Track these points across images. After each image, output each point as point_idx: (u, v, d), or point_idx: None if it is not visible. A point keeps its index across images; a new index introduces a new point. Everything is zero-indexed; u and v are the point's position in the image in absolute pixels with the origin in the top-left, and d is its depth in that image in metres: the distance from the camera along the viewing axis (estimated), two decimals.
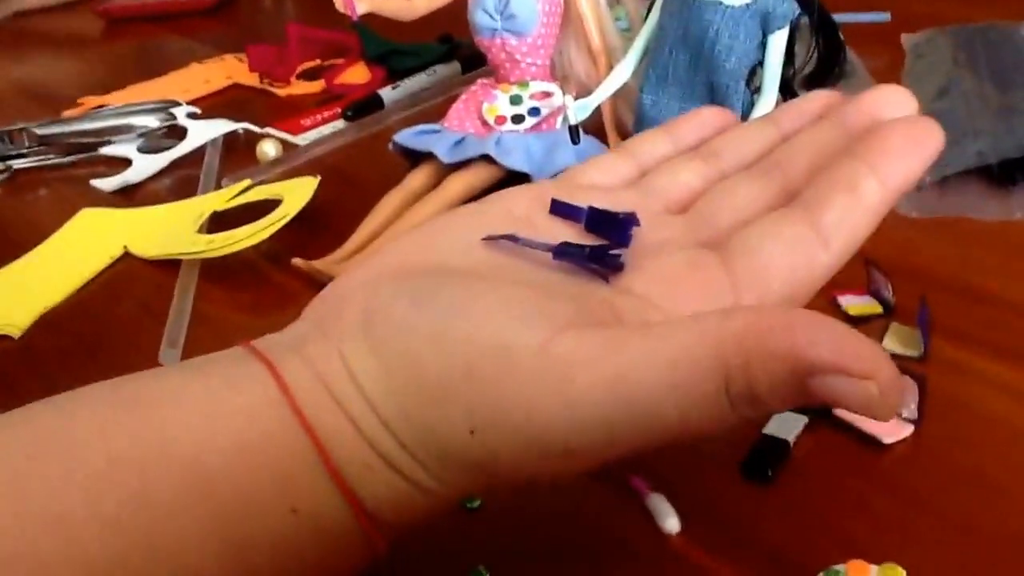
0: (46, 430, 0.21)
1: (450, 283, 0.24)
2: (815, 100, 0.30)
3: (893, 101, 0.27)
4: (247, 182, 0.52)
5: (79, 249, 0.49)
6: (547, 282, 0.24)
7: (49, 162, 0.60)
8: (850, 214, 0.24)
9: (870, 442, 0.31)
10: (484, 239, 0.26)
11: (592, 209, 0.27)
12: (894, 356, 0.34)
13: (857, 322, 0.37)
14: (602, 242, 0.26)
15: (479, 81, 0.52)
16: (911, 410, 0.32)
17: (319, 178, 0.49)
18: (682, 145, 0.31)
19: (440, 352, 0.22)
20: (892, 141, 0.24)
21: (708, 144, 0.30)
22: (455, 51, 0.71)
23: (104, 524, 0.20)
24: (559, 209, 0.27)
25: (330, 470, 0.22)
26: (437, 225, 0.27)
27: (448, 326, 0.22)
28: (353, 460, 0.22)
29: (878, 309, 0.38)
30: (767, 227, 0.25)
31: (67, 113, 0.67)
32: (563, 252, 0.25)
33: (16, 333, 0.42)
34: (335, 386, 0.22)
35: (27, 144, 0.61)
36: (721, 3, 0.41)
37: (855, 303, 0.38)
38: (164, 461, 0.21)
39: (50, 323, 0.43)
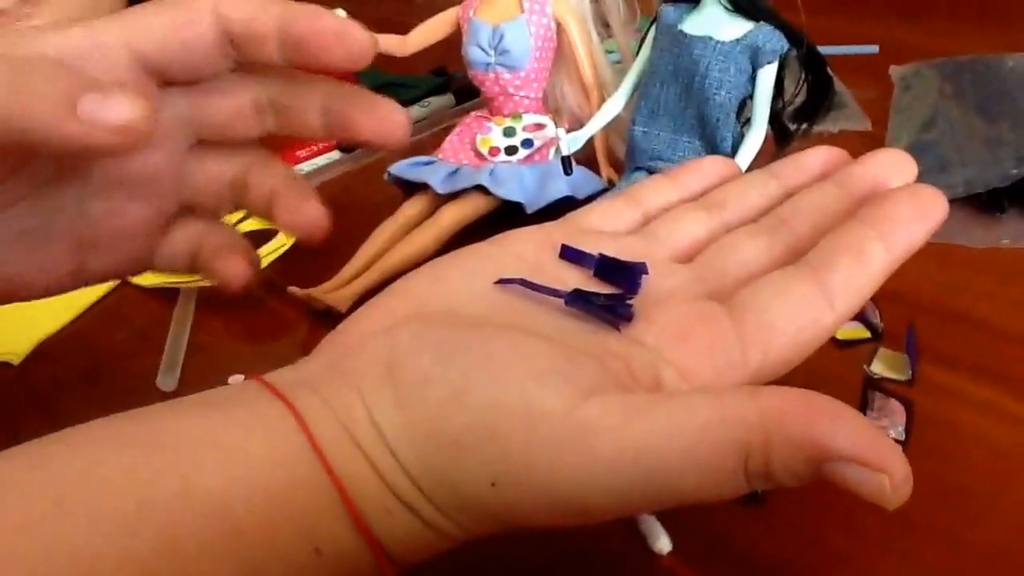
0: (72, 472, 0.21)
1: (471, 336, 0.24)
2: (817, 156, 0.30)
3: (895, 165, 0.28)
4: (243, 212, 0.53)
5: None
6: (562, 331, 0.25)
7: None
8: (856, 277, 0.25)
9: None
10: (498, 282, 0.26)
11: (603, 256, 0.27)
12: (882, 380, 0.35)
13: (845, 346, 0.38)
14: (611, 289, 0.26)
15: (473, 113, 0.53)
16: (899, 431, 0.32)
17: None
18: (686, 193, 0.32)
19: (464, 410, 0.22)
20: (899, 209, 0.25)
21: (712, 195, 0.31)
22: (449, 83, 0.72)
23: (135, 568, 0.20)
24: (569, 255, 0.28)
25: (353, 515, 0.22)
26: (449, 265, 0.28)
27: (472, 384, 0.23)
28: (374, 504, 0.22)
29: (866, 334, 0.38)
30: (776, 284, 0.25)
31: None
32: (575, 300, 0.25)
33: (15, 360, 0.42)
34: (357, 433, 0.23)
35: None
36: (711, 38, 0.42)
37: (844, 328, 0.38)
38: (192, 506, 0.21)
39: (48, 351, 0.44)
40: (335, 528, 0.22)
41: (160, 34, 0.28)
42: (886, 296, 0.39)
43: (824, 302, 0.25)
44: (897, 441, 0.32)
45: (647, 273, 0.27)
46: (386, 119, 0.29)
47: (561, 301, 0.26)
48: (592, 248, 0.28)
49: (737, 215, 0.30)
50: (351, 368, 0.24)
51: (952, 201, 0.47)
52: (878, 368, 0.36)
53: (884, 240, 0.25)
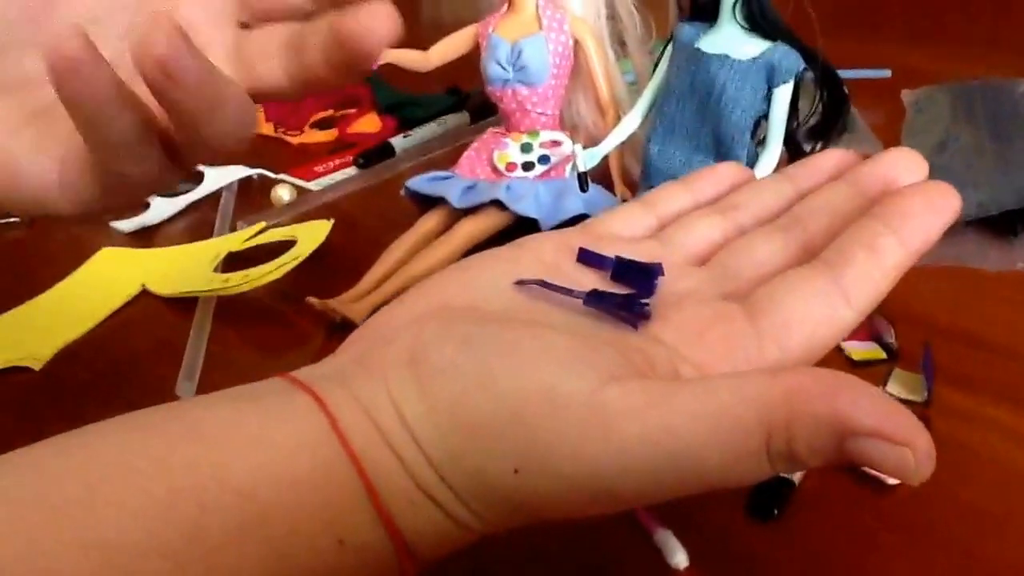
0: (104, 458, 0.21)
1: (494, 328, 0.24)
2: (829, 158, 0.31)
3: (906, 164, 0.28)
4: (262, 224, 0.54)
5: (98, 287, 0.50)
6: (581, 328, 0.25)
7: None
8: (871, 273, 0.25)
9: (874, 482, 0.32)
10: (517, 282, 0.27)
11: (619, 259, 0.28)
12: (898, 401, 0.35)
13: (861, 366, 0.38)
14: (628, 291, 0.27)
15: (490, 130, 0.54)
16: None
17: (332, 221, 0.50)
18: (700, 199, 0.32)
19: (488, 396, 0.22)
20: (912, 204, 0.25)
21: (727, 198, 0.31)
22: (464, 102, 0.73)
23: (164, 554, 0.20)
24: (587, 257, 0.28)
25: (376, 505, 0.22)
26: (471, 267, 0.28)
27: (496, 371, 0.23)
28: (398, 495, 0.23)
29: (881, 355, 0.38)
30: (791, 282, 0.25)
31: None
32: (593, 299, 0.26)
33: (37, 365, 0.43)
34: (383, 423, 0.23)
35: None
36: (728, 57, 0.43)
37: (859, 348, 0.39)
38: (221, 493, 0.21)
39: (71, 357, 0.44)
40: (359, 519, 0.22)
41: None
42: (901, 317, 0.39)
43: (840, 297, 0.25)
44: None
45: (663, 274, 0.27)
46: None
47: (579, 302, 0.26)
48: (609, 252, 0.28)
49: (751, 217, 0.30)
50: (376, 361, 0.24)
51: (966, 224, 0.48)
52: (894, 388, 0.36)
53: (897, 235, 0.25)
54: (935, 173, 0.26)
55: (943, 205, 0.25)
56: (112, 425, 0.23)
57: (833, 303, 0.25)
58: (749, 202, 0.30)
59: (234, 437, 0.22)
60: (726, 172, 0.33)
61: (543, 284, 0.26)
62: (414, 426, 0.23)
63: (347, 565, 0.22)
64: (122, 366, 0.43)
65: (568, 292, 0.26)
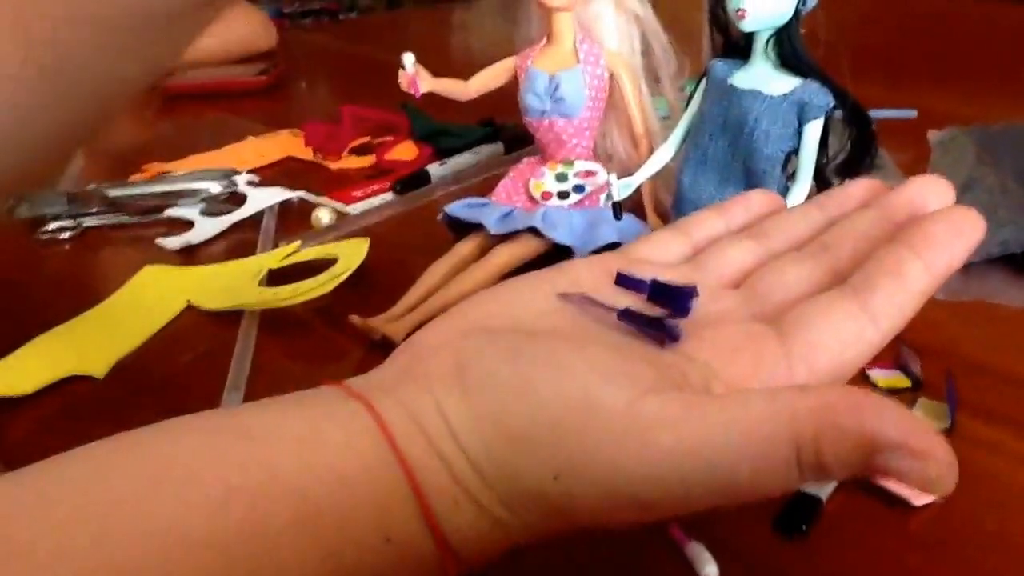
0: (165, 457, 0.23)
1: (534, 341, 0.26)
2: (858, 187, 0.32)
3: (933, 191, 0.29)
4: (297, 243, 0.56)
5: (145, 302, 0.51)
6: (619, 344, 0.27)
7: (117, 221, 0.64)
8: (897, 296, 0.26)
9: (900, 503, 0.32)
10: (560, 295, 0.28)
11: (655, 281, 0.29)
12: None
13: (886, 394, 0.39)
14: (664, 312, 0.28)
15: (526, 159, 0.55)
16: None
17: (369, 239, 0.51)
18: (733, 225, 0.33)
19: (529, 404, 0.24)
20: (937, 230, 0.27)
21: (758, 225, 0.32)
22: (498, 134, 0.74)
23: (220, 549, 0.22)
24: (624, 281, 0.29)
25: (422, 504, 0.24)
26: (510, 287, 0.30)
27: (536, 381, 0.24)
28: (442, 496, 0.24)
29: (906, 383, 0.39)
30: (820, 305, 0.27)
31: (134, 177, 0.71)
32: (626, 316, 0.27)
33: (100, 374, 0.45)
34: (429, 428, 0.24)
35: (97, 204, 0.64)
36: (761, 92, 0.44)
37: (884, 376, 0.40)
38: (274, 489, 0.23)
39: (122, 369, 0.46)
40: (405, 516, 0.23)
41: None
42: (927, 351, 0.40)
43: (867, 320, 0.26)
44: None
45: (697, 296, 0.28)
46: None
47: (617, 322, 0.27)
48: (645, 276, 0.29)
49: (782, 243, 0.31)
50: (422, 372, 0.26)
51: (989, 262, 0.49)
52: (918, 416, 0.37)
53: (923, 260, 0.26)
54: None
55: (968, 231, 0.27)
56: (175, 425, 0.24)
57: (860, 326, 0.26)
58: (780, 228, 0.31)
59: (285, 438, 0.24)
60: (757, 199, 0.34)
61: (584, 298, 0.28)
62: (459, 433, 0.24)
63: (392, 562, 0.24)
64: (171, 377, 0.45)
65: (606, 307, 0.27)
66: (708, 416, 0.23)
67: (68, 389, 0.44)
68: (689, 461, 0.22)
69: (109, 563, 0.21)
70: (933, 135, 0.66)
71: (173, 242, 0.59)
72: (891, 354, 0.40)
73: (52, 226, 0.63)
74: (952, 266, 0.26)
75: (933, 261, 0.26)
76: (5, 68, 0.29)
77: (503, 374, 0.25)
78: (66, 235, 0.62)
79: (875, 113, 0.62)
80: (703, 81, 0.47)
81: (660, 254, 0.32)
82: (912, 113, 0.73)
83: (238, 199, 0.64)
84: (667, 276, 0.29)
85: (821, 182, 0.47)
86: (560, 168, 0.53)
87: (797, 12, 0.43)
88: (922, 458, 0.20)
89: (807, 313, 0.27)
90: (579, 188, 0.52)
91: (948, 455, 0.21)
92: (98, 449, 0.24)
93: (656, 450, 0.22)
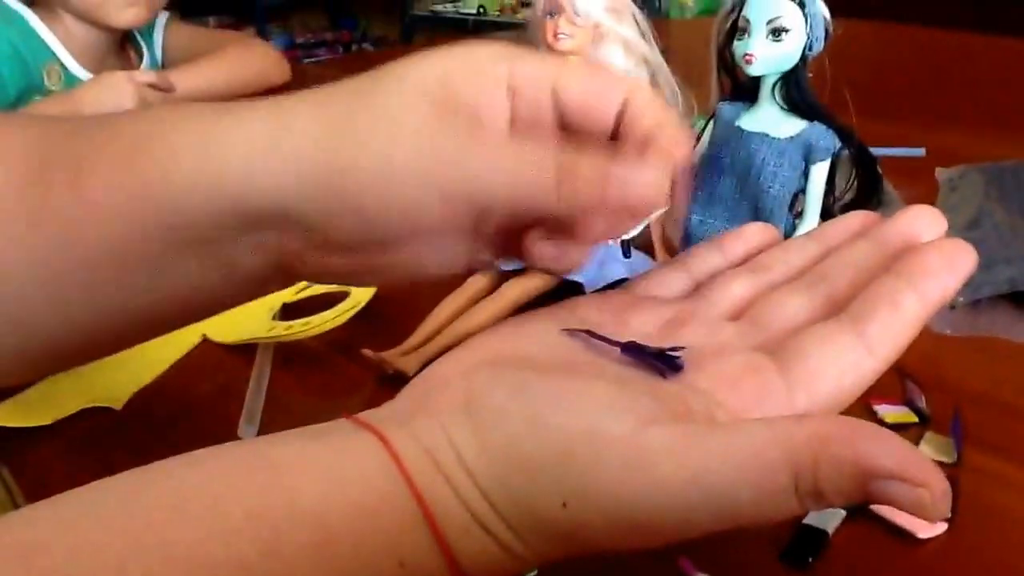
0: (188, 486, 0.24)
1: (542, 375, 0.27)
2: (853, 219, 0.33)
3: (926, 220, 0.30)
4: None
5: (162, 338, 0.52)
6: (623, 376, 0.27)
7: None
8: (892, 326, 0.27)
9: (905, 536, 0.33)
10: (563, 330, 0.29)
11: (632, 343, 0.28)
12: None
13: (893, 430, 0.39)
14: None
15: None
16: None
17: None
18: (731, 259, 0.34)
19: (537, 435, 0.25)
20: (930, 261, 0.27)
21: (757, 258, 0.33)
22: None
23: (242, 570, 0.22)
24: (628, 350, 0.29)
25: (434, 531, 0.24)
26: (519, 323, 0.31)
27: (544, 412, 0.25)
28: (453, 523, 0.25)
29: (913, 418, 0.40)
30: (819, 335, 0.27)
31: None
32: (629, 349, 0.28)
33: (118, 405, 0.46)
34: (441, 459, 0.25)
35: None
36: (767, 135, 0.45)
37: (891, 411, 0.40)
38: (293, 516, 0.23)
39: (139, 401, 0.47)
40: (418, 543, 0.24)
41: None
42: (934, 385, 0.41)
43: (863, 349, 0.26)
44: (943, 519, 0.33)
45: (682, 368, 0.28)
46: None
47: (622, 355, 0.28)
48: (648, 311, 0.30)
49: (780, 275, 0.32)
50: (434, 405, 0.27)
51: (997, 298, 0.49)
52: (925, 450, 0.38)
53: (917, 291, 0.27)
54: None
55: (960, 262, 0.27)
56: (196, 455, 0.25)
57: (857, 354, 0.26)
58: (778, 261, 0.32)
59: (304, 468, 0.25)
60: (754, 233, 0.35)
61: (588, 333, 0.28)
62: (470, 463, 0.25)
63: None
64: (187, 409, 0.46)
65: (609, 342, 0.28)
66: (709, 444, 0.23)
67: (87, 420, 0.45)
68: (691, 488, 0.23)
69: None
70: (941, 173, 0.67)
71: None
72: (898, 390, 0.41)
73: None
74: (945, 295, 0.27)
75: (927, 292, 0.27)
76: None
77: (512, 408, 0.25)
78: None
79: (883, 152, 0.63)
80: (711, 123, 0.48)
81: (662, 289, 0.33)
82: (920, 151, 0.74)
83: None
84: (669, 310, 0.30)
85: (828, 220, 0.47)
86: None
87: (804, 56, 0.44)
88: (917, 485, 0.21)
89: (806, 343, 0.27)
90: None
91: (942, 482, 0.21)
92: (124, 479, 0.24)
93: (660, 477, 0.23)
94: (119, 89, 0.92)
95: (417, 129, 0.28)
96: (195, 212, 0.29)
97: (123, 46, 1.12)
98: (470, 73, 0.29)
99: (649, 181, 0.28)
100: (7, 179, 0.31)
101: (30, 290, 0.31)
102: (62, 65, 1.03)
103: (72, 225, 0.30)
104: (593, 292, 0.49)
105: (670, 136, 0.30)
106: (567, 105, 0.30)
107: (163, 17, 1.14)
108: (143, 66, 1.11)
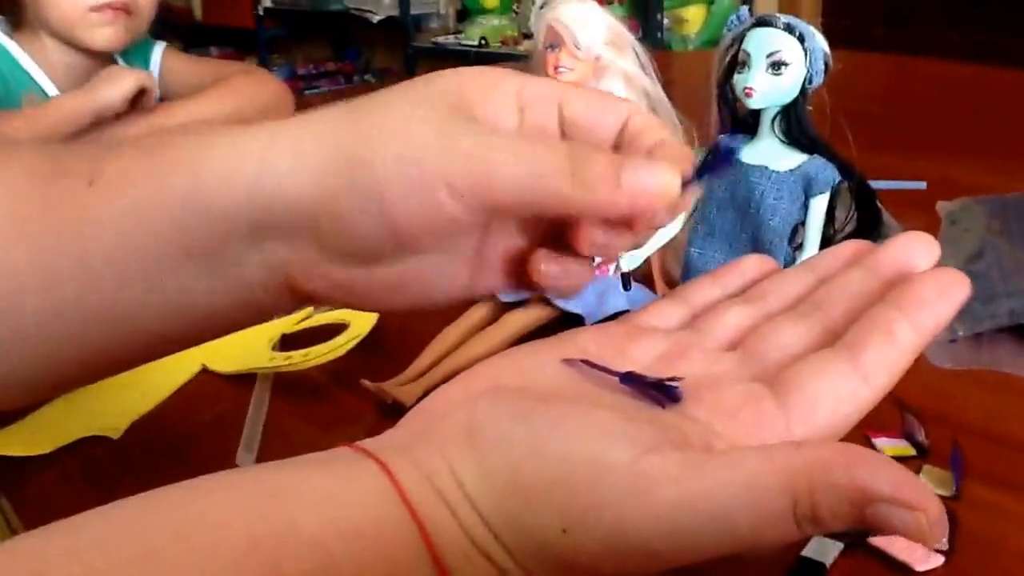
0: (191, 512, 0.24)
1: (543, 405, 0.27)
2: (847, 248, 0.33)
3: (918, 247, 0.30)
4: (310, 309, 0.56)
5: (161, 365, 0.52)
6: (623, 406, 0.28)
7: None
8: (887, 355, 0.27)
9: (902, 570, 0.33)
10: (563, 360, 0.29)
11: (626, 375, 0.29)
12: None
13: None
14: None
15: None
16: (943, 543, 0.33)
17: None
18: (729, 290, 0.34)
19: (539, 463, 0.25)
20: (924, 291, 0.28)
21: (753, 289, 0.33)
22: None
23: None
24: (627, 380, 0.29)
25: (434, 558, 0.24)
26: (520, 354, 0.31)
27: (545, 441, 0.25)
28: (453, 549, 0.25)
29: (911, 451, 0.40)
30: (815, 365, 0.28)
31: None
32: (628, 379, 0.28)
33: (116, 435, 0.46)
34: (442, 487, 0.25)
35: None
36: (767, 168, 0.45)
37: (890, 445, 0.40)
38: (295, 543, 0.23)
39: (138, 429, 0.47)
40: (419, 568, 0.24)
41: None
42: (933, 418, 0.41)
43: (859, 378, 0.27)
44: (940, 552, 0.33)
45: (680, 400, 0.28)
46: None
47: (621, 386, 0.28)
48: (647, 342, 0.30)
49: (776, 305, 0.32)
50: (434, 434, 0.27)
51: (998, 331, 0.49)
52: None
53: (911, 320, 0.27)
54: (970, 280, 0.28)
55: (954, 292, 0.27)
56: (198, 482, 0.25)
57: (853, 383, 0.27)
58: (774, 291, 0.32)
59: (306, 495, 0.25)
60: (750, 264, 0.35)
61: (587, 363, 0.29)
62: (471, 491, 0.25)
63: None
64: (185, 438, 0.46)
65: (608, 372, 0.28)
66: (707, 471, 0.23)
67: (85, 449, 0.45)
68: (690, 514, 0.23)
69: None
70: (943, 206, 0.67)
71: None
72: (896, 423, 0.41)
73: None
74: (939, 325, 0.27)
75: (921, 321, 0.27)
76: None
77: (514, 435, 0.26)
78: None
79: (884, 185, 0.63)
80: (710, 156, 0.48)
81: (661, 321, 0.33)
82: (922, 185, 0.74)
83: None
84: (667, 342, 0.30)
85: None
86: None
87: (803, 90, 0.44)
88: (913, 509, 0.21)
89: (803, 372, 0.27)
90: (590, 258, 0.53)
91: (937, 508, 0.21)
92: (125, 506, 0.24)
93: (659, 504, 0.23)
94: (121, 79, 0.93)
95: (437, 125, 0.29)
96: (209, 213, 0.30)
97: None
98: (483, 85, 0.31)
99: (662, 178, 0.28)
100: (21, 176, 0.31)
101: (30, 293, 0.31)
102: (43, 92, 1.03)
103: (80, 226, 0.31)
104: (593, 324, 0.49)
105: (672, 152, 0.30)
106: (571, 120, 0.32)
107: (159, 47, 1.13)
108: None
